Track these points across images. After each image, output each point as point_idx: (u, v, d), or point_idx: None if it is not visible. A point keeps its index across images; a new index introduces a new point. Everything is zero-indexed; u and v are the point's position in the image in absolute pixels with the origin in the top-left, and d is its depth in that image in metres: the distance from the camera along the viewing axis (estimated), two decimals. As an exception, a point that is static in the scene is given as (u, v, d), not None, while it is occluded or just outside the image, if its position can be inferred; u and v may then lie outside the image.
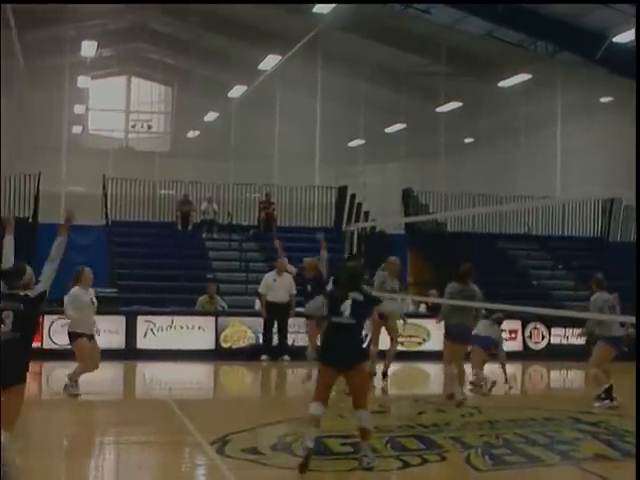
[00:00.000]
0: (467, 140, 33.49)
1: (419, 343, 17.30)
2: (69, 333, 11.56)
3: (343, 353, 7.44)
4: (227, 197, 24.36)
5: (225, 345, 16.66)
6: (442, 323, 11.87)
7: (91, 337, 11.52)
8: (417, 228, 23.61)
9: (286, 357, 16.02)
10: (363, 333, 8.73)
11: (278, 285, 15.98)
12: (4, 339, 6.32)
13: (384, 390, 13.01)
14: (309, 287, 13.83)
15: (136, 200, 23.78)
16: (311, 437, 7.39)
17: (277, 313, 16.08)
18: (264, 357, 16.06)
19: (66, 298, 11.60)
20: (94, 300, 11.68)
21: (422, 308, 18.84)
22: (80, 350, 11.48)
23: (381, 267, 13.32)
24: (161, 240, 22.13)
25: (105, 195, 22.83)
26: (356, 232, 22.18)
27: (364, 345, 8.72)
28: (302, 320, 15.04)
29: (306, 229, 22.16)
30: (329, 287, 8.01)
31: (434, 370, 15.98)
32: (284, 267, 15.87)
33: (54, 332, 15.00)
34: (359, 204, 23.32)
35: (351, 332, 7.50)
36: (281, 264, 15.93)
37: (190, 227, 22.82)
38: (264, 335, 16.31)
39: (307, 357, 13.66)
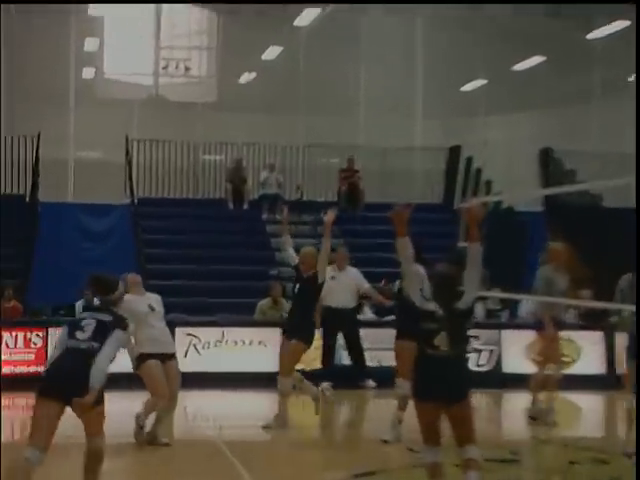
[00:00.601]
0: (631, 78, 32.93)
1: (567, 364, 17.10)
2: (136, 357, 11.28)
3: (442, 386, 7.74)
4: (295, 164, 24.50)
5: (294, 366, 16.74)
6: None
7: (165, 357, 11.33)
8: (560, 203, 23.33)
9: (370, 382, 15.99)
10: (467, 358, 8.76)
11: (338, 284, 15.52)
12: (74, 346, 7.70)
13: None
14: (297, 288, 12.60)
15: (171, 169, 24.11)
16: None
17: (339, 323, 15.90)
18: (325, 385, 15.33)
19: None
20: (153, 305, 11.53)
21: (571, 315, 18.61)
22: (147, 377, 11.27)
23: (540, 259, 13.22)
24: (205, 223, 22.43)
25: (129, 163, 23.18)
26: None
27: (470, 374, 8.70)
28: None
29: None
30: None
31: (589, 402, 15.78)
32: (344, 258, 15.72)
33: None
34: (478, 170, 23.23)
35: (450, 362, 7.81)
36: (341, 255, 15.77)
37: (245, 205, 23.02)
38: (322, 353, 16.17)
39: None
